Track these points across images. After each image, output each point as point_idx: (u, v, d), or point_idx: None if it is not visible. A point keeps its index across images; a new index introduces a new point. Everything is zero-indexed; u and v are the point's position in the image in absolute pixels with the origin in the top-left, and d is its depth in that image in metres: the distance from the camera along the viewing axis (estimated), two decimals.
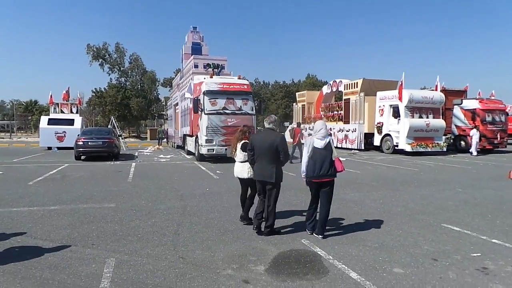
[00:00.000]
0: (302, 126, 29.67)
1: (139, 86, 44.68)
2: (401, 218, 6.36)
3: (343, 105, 24.48)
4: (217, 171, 12.63)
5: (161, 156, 18.83)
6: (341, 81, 25.55)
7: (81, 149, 15.83)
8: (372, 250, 4.77)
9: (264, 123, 5.60)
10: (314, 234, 5.34)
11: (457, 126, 21.62)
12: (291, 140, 28.48)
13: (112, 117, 26.19)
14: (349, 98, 23.68)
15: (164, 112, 41.97)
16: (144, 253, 4.65)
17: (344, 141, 23.28)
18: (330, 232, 5.55)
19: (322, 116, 27.32)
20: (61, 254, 4.59)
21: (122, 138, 26.78)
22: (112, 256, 4.53)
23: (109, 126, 25.65)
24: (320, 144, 5.18)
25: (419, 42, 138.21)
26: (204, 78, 16.00)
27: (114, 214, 6.62)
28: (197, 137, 16.02)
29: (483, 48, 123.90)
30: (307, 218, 5.51)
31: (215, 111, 15.09)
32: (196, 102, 15.39)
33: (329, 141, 5.21)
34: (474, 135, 19.51)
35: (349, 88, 24.00)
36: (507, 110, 22.09)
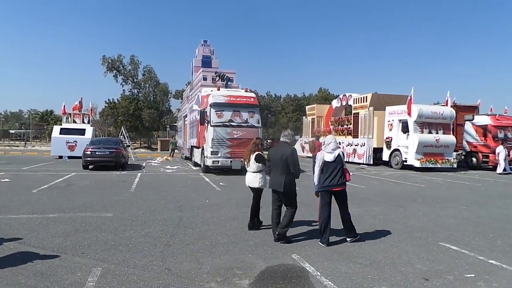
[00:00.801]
0: (310, 139, 29.64)
1: (152, 98, 45.32)
2: (398, 235, 6.22)
3: (352, 119, 24.39)
4: (221, 183, 12.62)
5: (168, 167, 18.95)
6: (350, 95, 25.50)
7: (88, 159, 16.04)
8: (362, 267, 4.66)
9: (281, 137, 6.01)
10: (347, 239, 5.70)
11: (468, 142, 21.23)
12: (304, 153, 28.27)
13: (122, 127, 26.56)
14: (358, 112, 23.59)
15: (175, 124, 42.51)
16: (131, 263, 4.64)
17: (353, 155, 23.08)
18: (322, 247, 5.46)
19: (332, 130, 27.21)
20: (50, 262, 4.61)
21: (131, 149, 27.10)
22: (99, 265, 4.53)
23: (119, 137, 26.01)
24: (329, 157, 5.58)
25: (430, 57, 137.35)
26: (212, 91, 16.16)
27: (110, 224, 6.64)
28: (203, 148, 16.10)
29: (496, 64, 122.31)
30: (322, 231, 5.61)
31: (221, 123, 15.17)
32: (203, 114, 15.50)
33: (338, 154, 5.60)
34: (501, 152, 18.81)
35: (359, 102, 23.93)
36: None
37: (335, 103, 28.01)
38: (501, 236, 6.29)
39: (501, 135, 20.19)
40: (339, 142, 25.58)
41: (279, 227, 5.70)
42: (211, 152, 15.09)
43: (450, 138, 19.47)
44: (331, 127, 27.60)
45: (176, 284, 4.02)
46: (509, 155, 19.93)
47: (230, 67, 29.92)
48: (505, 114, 21.88)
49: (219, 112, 15.25)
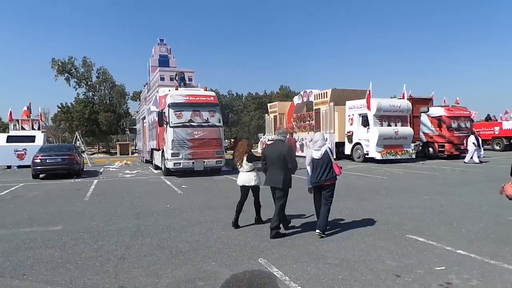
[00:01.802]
0: (273, 137, 29.60)
1: (108, 101, 43.50)
2: (365, 230, 6.09)
3: (313, 115, 24.53)
4: (183, 186, 12.12)
5: (127, 171, 18.09)
6: (311, 92, 25.63)
7: (38, 167, 14.93)
8: (332, 267, 4.44)
9: (274, 135, 6.19)
10: (316, 231, 5.77)
11: (424, 133, 21.98)
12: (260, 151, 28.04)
13: (76, 132, 25.13)
14: (319, 108, 23.74)
15: (135, 126, 41.07)
16: (80, 283, 4.14)
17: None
18: (289, 249, 5.20)
19: (294, 126, 27.28)
20: None
21: (87, 154, 25.75)
22: None
23: (74, 142, 24.60)
24: (317, 154, 5.80)
25: (386, 52, 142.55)
26: (169, 90, 15.54)
27: (58, 238, 6.03)
28: (163, 151, 15.46)
29: (446, 57, 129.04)
30: (321, 223, 5.80)
31: (181, 124, 14.61)
32: (161, 114, 14.86)
33: (325, 151, 5.80)
34: (472, 141, 18.86)
35: (319, 98, 24.08)
36: (471, 117, 22.67)
37: (296, 100, 28.09)
38: (465, 224, 6.33)
39: (454, 125, 21.06)
40: (302, 139, 25.92)
41: (273, 228, 5.81)
42: (172, 154, 14.50)
43: (408, 130, 20.03)
44: (293, 123, 27.65)
45: None
46: (463, 144, 20.85)
47: (189, 66, 29.16)
48: (457, 105, 22.85)
49: (178, 112, 14.68)
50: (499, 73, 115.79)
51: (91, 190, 11.73)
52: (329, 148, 5.91)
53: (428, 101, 23.54)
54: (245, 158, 6.33)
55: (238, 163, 6.43)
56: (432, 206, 7.99)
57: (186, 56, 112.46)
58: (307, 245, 5.36)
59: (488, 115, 31.74)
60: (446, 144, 20.95)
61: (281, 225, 6.06)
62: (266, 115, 33.29)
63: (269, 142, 30.48)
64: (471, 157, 18.64)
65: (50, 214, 8.06)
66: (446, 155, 21.27)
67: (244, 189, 6.49)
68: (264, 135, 33.04)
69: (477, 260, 4.57)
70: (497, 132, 28.62)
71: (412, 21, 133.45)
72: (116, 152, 41.57)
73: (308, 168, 5.92)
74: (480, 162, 18.44)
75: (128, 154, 37.96)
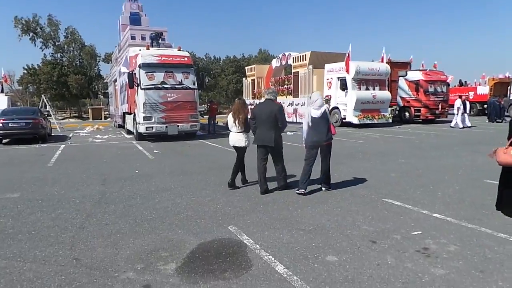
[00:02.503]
0: (252, 101, 29.04)
1: (78, 62, 41.31)
2: (341, 194, 5.90)
3: (292, 78, 24.03)
4: (155, 151, 11.64)
5: (98, 136, 17.36)
6: (290, 54, 24.97)
7: (0, 132, 14.03)
8: (305, 234, 4.21)
9: (264, 94, 6.33)
10: (322, 188, 6.13)
11: (402, 98, 21.97)
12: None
13: (43, 95, 23.77)
14: (298, 72, 23.22)
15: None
16: (30, 256, 3.75)
17: (294, 115, 22.92)
18: (262, 215, 4.94)
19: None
20: None
21: (56, 119, 24.60)
22: None
23: (41, 106, 23.34)
24: (316, 113, 5.73)
25: (366, 13, 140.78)
26: (140, 50, 14.64)
27: (13, 207, 5.56)
28: (135, 114, 14.78)
29: (425, 20, 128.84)
30: (302, 180, 5.89)
31: (152, 86, 13.89)
32: (131, 76, 14.06)
33: (324, 110, 5.77)
34: (459, 106, 18.36)
35: (298, 61, 23.51)
36: (448, 81, 22.73)
37: (274, 63, 27.39)
38: (441, 188, 6.22)
39: (431, 89, 21.08)
40: (281, 102, 25.45)
41: (283, 181, 6.20)
42: (144, 117, 13.87)
43: (386, 94, 19.91)
44: (271, 87, 27.11)
45: (83, 278, 3.25)
46: (438, 108, 21.00)
47: (163, 26, 27.62)
48: (435, 69, 22.80)
49: (149, 73, 13.90)
50: (477, 38, 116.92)
51: (56, 155, 11.10)
52: (328, 108, 5.94)
53: (406, 65, 23.39)
54: (240, 119, 6.20)
55: (236, 122, 6.26)
56: (408, 169, 7.89)
57: (160, 15, 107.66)
58: (280, 211, 5.11)
59: (460, 80, 32.07)
60: (422, 109, 21.05)
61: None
62: (244, 78, 32.50)
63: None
64: (456, 122, 18.32)
65: (8, 181, 7.51)
66: (421, 120, 21.44)
67: (237, 149, 6.51)
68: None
69: (453, 224, 4.44)
70: (471, 97, 29.00)
71: None
72: (88, 117, 40.10)
73: (305, 126, 5.89)
74: (463, 127, 18.00)
75: (101, 119, 36.69)
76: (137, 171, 8.27)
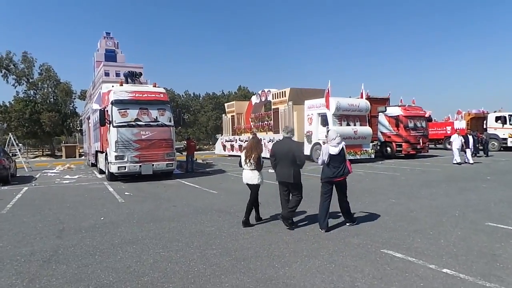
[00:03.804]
0: (232, 137, 28.51)
1: (52, 99, 40.09)
2: (333, 245, 5.17)
3: (272, 115, 23.76)
4: (126, 193, 10.69)
5: (67, 177, 16.18)
6: (269, 91, 24.88)
7: None
8: None
9: (282, 132, 6.55)
10: (346, 224, 6.20)
11: (382, 133, 21.87)
12: (226, 152, 27.36)
13: (10, 134, 22.49)
14: (278, 108, 23.00)
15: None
16: None
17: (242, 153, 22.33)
18: (243, 275, 4.14)
19: (252, 126, 26.37)
20: None
21: (23, 158, 23.20)
22: None
23: (7, 145, 22.00)
24: (335, 151, 5.93)
25: (344, 49, 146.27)
26: (113, 86, 13.97)
27: None
28: (107, 153, 13.86)
29: (400, 56, 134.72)
30: (322, 217, 5.93)
31: (125, 123, 13.11)
32: (102, 113, 13.27)
33: (342, 147, 6.00)
34: (454, 140, 17.61)
35: (278, 98, 23.37)
36: (426, 116, 22.91)
37: (254, 99, 27.22)
38: (442, 234, 5.60)
39: (411, 124, 21.10)
40: (261, 139, 24.98)
41: (287, 209, 6.18)
42: (116, 156, 12.96)
43: (367, 130, 19.73)
44: (251, 123, 26.76)
45: None
46: (419, 143, 20.95)
47: (140, 63, 27.22)
48: (413, 105, 23.00)
49: (122, 110, 13.16)
50: (452, 74, 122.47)
51: (14, 200, 10.00)
52: (344, 145, 6.10)
53: (385, 101, 23.53)
54: (254, 156, 6.26)
55: (247, 160, 6.30)
56: (401, 211, 7.28)
57: (137, 52, 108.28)
58: (265, 269, 4.32)
59: (430, 116, 32.53)
60: (403, 144, 20.92)
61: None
62: (223, 115, 32.14)
63: (226, 143, 29.44)
64: (454, 158, 17.24)
65: None
66: (403, 155, 21.27)
67: (250, 187, 6.46)
68: (221, 135, 31.84)
69: (469, 283, 3.77)
70: (449, 132, 29.41)
71: (366, 16, 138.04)
72: (62, 155, 38.44)
73: (320, 161, 6.07)
74: (461, 163, 16.94)
75: (75, 157, 35.17)
76: (102, 218, 7.34)
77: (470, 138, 18.39)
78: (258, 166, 6.33)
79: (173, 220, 7.03)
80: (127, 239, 5.79)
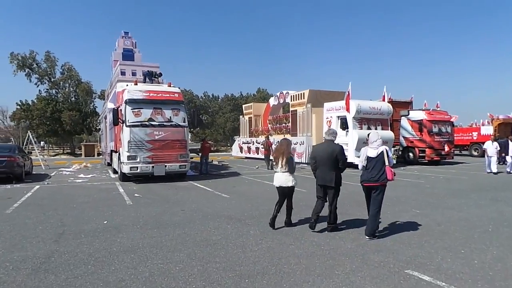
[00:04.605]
0: (249, 139, 28.09)
1: (74, 99, 40.74)
2: (351, 262, 4.61)
3: (290, 117, 23.24)
4: (135, 194, 10.37)
5: (81, 176, 16.08)
6: (288, 93, 24.39)
7: None
8: None
9: (324, 135, 6.52)
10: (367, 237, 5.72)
11: (405, 138, 21.00)
12: (242, 154, 27.10)
13: (28, 132, 22.72)
14: (296, 110, 22.49)
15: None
16: None
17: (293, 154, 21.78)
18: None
19: (270, 129, 25.88)
20: None
21: (41, 156, 23.42)
22: None
23: (26, 143, 22.25)
24: (373, 153, 5.73)
25: (365, 51, 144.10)
26: (127, 85, 13.76)
27: None
28: (120, 153, 13.64)
29: (426, 60, 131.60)
30: (368, 223, 5.79)
31: (139, 123, 12.85)
32: (116, 112, 13.08)
33: (381, 151, 5.71)
34: (488, 148, 15.74)
35: (296, 100, 22.85)
36: (452, 121, 21.89)
37: (272, 101, 26.76)
38: (475, 252, 4.96)
39: (435, 129, 20.16)
40: (278, 141, 24.45)
41: (331, 224, 6.14)
42: (128, 157, 12.71)
43: (389, 134, 18.91)
44: (269, 126, 26.27)
45: None
46: (444, 149, 19.97)
47: (162, 65, 27.26)
48: (438, 109, 22.02)
49: (136, 109, 12.91)
50: (480, 77, 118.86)
51: (23, 199, 9.82)
52: (387, 150, 5.80)
53: (408, 105, 22.64)
54: (284, 159, 6.20)
55: (279, 162, 6.25)
56: (427, 224, 6.63)
57: (156, 51, 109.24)
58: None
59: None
60: (427, 149, 20.01)
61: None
62: (241, 116, 31.81)
63: (243, 145, 29.05)
64: (489, 166, 15.60)
65: None
66: (427, 161, 20.34)
67: (281, 190, 6.37)
68: (239, 137, 31.48)
69: None
70: (475, 138, 28.16)
71: (391, 19, 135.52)
72: (81, 154, 38.95)
73: (360, 165, 5.89)
74: (494, 172, 15.31)
75: (93, 156, 35.52)
76: (105, 222, 6.98)
77: (511, 144, 15.86)
78: (291, 168, 6.24)
79: (179, 226, 6.60)
80: (127, 246, 5.39)
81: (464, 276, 4.10)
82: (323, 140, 6.51)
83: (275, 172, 6.41)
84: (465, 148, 29.35)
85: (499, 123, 26.34)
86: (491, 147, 15.64)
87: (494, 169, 15.37)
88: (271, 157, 5.68)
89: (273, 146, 23.49)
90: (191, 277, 4.16)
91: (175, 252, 5.09)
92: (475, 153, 28.02)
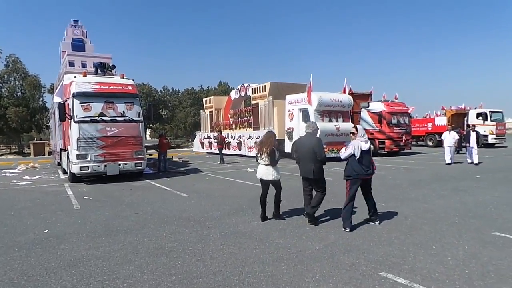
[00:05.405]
0: (210, 134, 27.36)
1: (20, 93, 37.86)
2: (320, 267, 4.22)
3: (252, 110, 22.78)
4: (85, 197, 9.49)
5: (26, 177, 14.72)
6: (249, 85, 23.88)
7: None
8: None
9: (305, 128, 6.58)
10: (376, 222, 6.01)
11: (365, 130, 21.06)
12: (204, 150, 26.29)
13: None
14: (257, 103, 22.05)
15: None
16: None
17: (255, 149, 21.38)
18: None
19: (231, 123, 25.31)
20: None
21: None
22: None
23: None
24: (365, 147, 5.74)
25: (325, 44, 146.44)
26: (75, 77, 12.65)
27: None
28: (69, 151, 12.55)
29: (384, 51, 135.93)
30: (345, 218, 5.72)
31: (88, 118, 11.85)
32: (62, 106, 11.97)
33: (370, 144, 5.84)
34: (446, 138, 15.69)
35: (258, 92, 22.39)
36: (409, 112, 22.41)
37: (233, 94, 26.14)
38: (446, 248, 4.74)
39: (394, 120, 20.52)
40: (239, 136, 24.03)
41: (309, 207, 6.15)
42: (77, 155, 11.69)
43: (350, 126, 18.84)
44: (230, 120, 25.67)
45: None
46: (402, 140, 20.38)
47: (115, 55, 25.71)
48: (396, 100, 22.46)
49: (85, 104, 11.89)
50: (433, 69, 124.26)
51: None
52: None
53: (367, 97, 22.86)
54: (267, 151, 6.19)
55: (262, 155, 6.25)
56: (394, 218, 6.44)
57: (110, 43, 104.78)
58: None
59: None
60: (386, 141, 20.34)
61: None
62: (201, 111, 30.94)
63: (204, 140, 28.29)
64: (449, 157, 15.39)
65: None
66: (386, 152, 20.69)
67: (263, 182, 6.39)
68: (200, 132, 30.61)
69: None
70: (430, 128, 29.19)
71: (348, 13, 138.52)
72: (30, 153, 36.36)
73: (345, 156, 5.83)
74: (452, 162, 15.26)
75: (44, 155, 33.25)
76: (45, 231, 6.17)
77: (473, 134, 15.52)
78: (272, 161, 6.20)
79: (131, 232, 5.95)
80: (68, 260, 4.68)
81: (441, 276, 3.83)
82: (304, 134, 6.57)
83: (259, 164, 6.40)
84: (421, 138, 30.40)
85: (452, 114, 27.43)
86: (449, 137, 15.69)
87: (448, 160, 15.27)
88: (257, 152, 5.53)
89: (226, 141, 23.10)
90: None
91: (124, 264, 4.47)
92: (430, 143, 29.07)
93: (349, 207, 5.75)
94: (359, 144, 5.69)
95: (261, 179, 6.39)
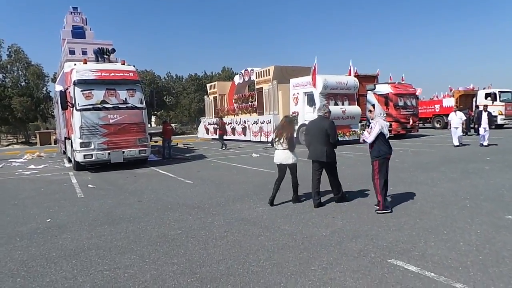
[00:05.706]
0: (215, 120, 27.17)
1: (24, 83, 37.83)
2: (327, 254, 4.08)
3: (256, 95, 22.49)
4: (89, 185, 9.44)
5: (31, 167, 14.72)
6: (252, 70, 23.50)
7: None
8: None
9: (317, 111, 6.49)
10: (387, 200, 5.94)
11: None
12: (209, 136, 26.15)
13: None
14: (261, 88, 21.73)
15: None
16: None
17: (260, 134, 21.24)
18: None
19: (236, 108, 25.07)
20: None
21: None
22: None
23: None
24: (387, 126, 5.74)
25: (330, 27, 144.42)
26: (75, 65, 12.47)
27: None
28: (72, 140, 12.47)
29: (390, 33, 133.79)
30: (383, 200, 5.64)
31: (90, 106, 11.71)
32: (63, 95, 11.83)
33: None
34: (452, 119, 15.02)
35: (261, 77, 22.04)
36: (417, 94, 21.98)
37: (237, 79, 25.81)
38: (458, 233, 4.58)
39: (401, 103, 20.14)
40: (244, 121, 23.83)
41: (337, 196, 6.32)
42: (81, 144, 11.60)
43: (356, 109, 18.72)
44: (234, 105, 25.42)
45: None
46: (409, 122, 20.06)
47: (117, 43, 25.36)
48: (403, 82, 22.01)
49: (86, 91, 11.74)
50: (440, 50, 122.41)
51: None
52: None
53: (373, 79, 22.45)
54: (286, 136, 6.18)
55: (281, 139, 6.21)
56: (403, 202, 6.25)
57: (111, 30, 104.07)
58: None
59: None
60: (393, 123, 19.97)
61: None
62: (205, 96, 30.67)
63: (209, 126, 28.12)
64: (456, 139, 14.84)
65: None
66: (393, 135, 20.36)
67: (281, 167, 6.35)
68: (204, 118, 30.43)
69: None
70: (437, 110, 28.71)
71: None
72: (36, 143, 36.55)
73: (370, 139, 5.68)
74: (460, 144, 14.79)
75: (50, 144, 33.39)
76: (48, 220, 6.10)
77: (485, 114, 14.73)
78: (291, 146, 6.20)
79: (134, 220, 5.86)
80: (69, 250, 4.60)
81: (453, 263, 3.67)
82: (316, 116, 6.48)
83: (276, 149, 6.35)
84: (428, 120, 29.92)
85: (460, 95, 26.88)
86: (455, 118, 15.19)
87: (456, 142, 14.80)
88: (272, 136, 5.90)
89: (227, 126, 22.95)
90: (141, 285, 3.48)
91: (126, 253, 4.37)
92: (438, 125, 28.62)
93: (384, 188, 5.66)
94: (385, 123, 5.63)
95: (279, 164, 6.32)
